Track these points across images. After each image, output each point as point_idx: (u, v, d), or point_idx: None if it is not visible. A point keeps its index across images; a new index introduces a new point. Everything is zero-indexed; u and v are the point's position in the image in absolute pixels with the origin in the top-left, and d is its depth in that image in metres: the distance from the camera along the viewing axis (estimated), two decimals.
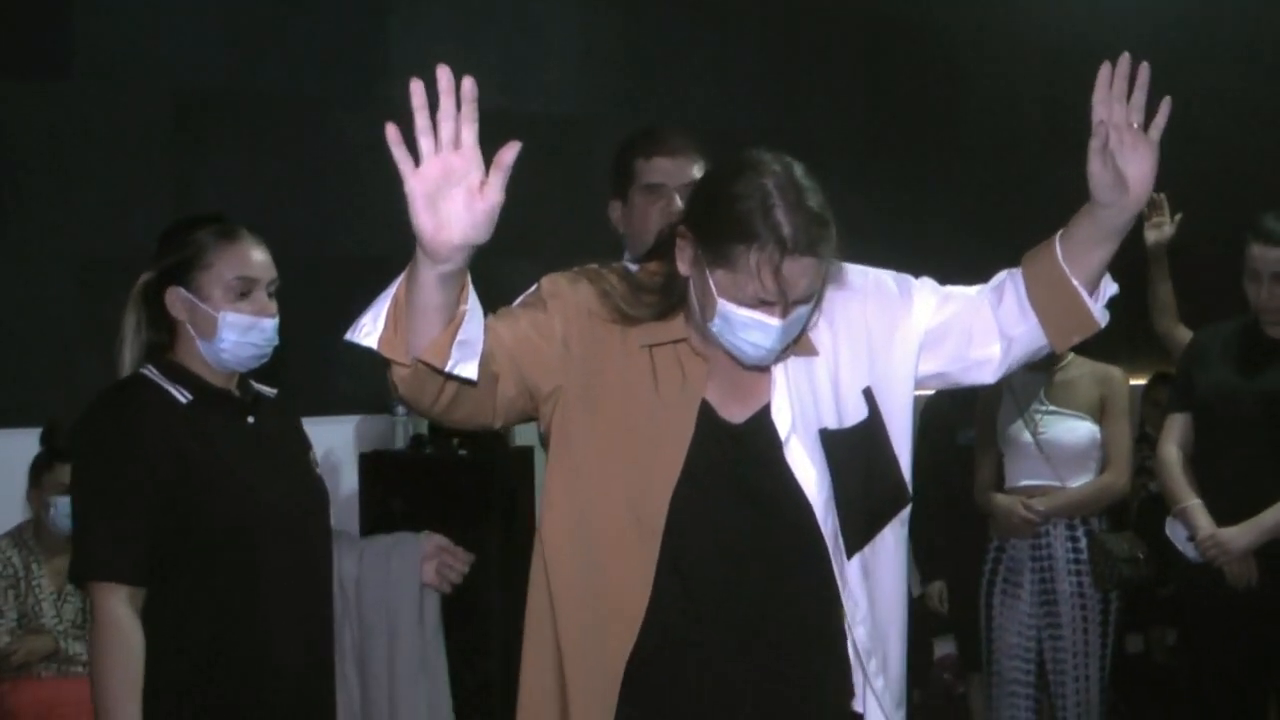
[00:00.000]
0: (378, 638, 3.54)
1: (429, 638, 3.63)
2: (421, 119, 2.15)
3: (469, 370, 2.34)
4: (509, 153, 2.17)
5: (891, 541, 2.73)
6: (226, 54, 6.14)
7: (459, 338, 2.30)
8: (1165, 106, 2.57)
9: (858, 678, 2.69)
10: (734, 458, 2.64)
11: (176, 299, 3.20)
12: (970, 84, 8.09)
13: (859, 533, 2.66)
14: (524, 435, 5.89)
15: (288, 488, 3.27)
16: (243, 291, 3.20)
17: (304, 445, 3.46)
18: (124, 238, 5.79)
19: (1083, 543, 5.32)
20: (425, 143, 2.16)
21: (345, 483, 6.23)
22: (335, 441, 6.26)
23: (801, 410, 2.65)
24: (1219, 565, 4.74)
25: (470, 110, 2.16)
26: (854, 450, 2.66)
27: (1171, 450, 4.98)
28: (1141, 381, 7.40)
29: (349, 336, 2.35)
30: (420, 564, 3.59)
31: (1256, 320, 4.87)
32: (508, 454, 5.95)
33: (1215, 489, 4.84)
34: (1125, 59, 2.54)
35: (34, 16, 5.77)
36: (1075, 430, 5.37)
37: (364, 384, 6.21)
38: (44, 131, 5.78)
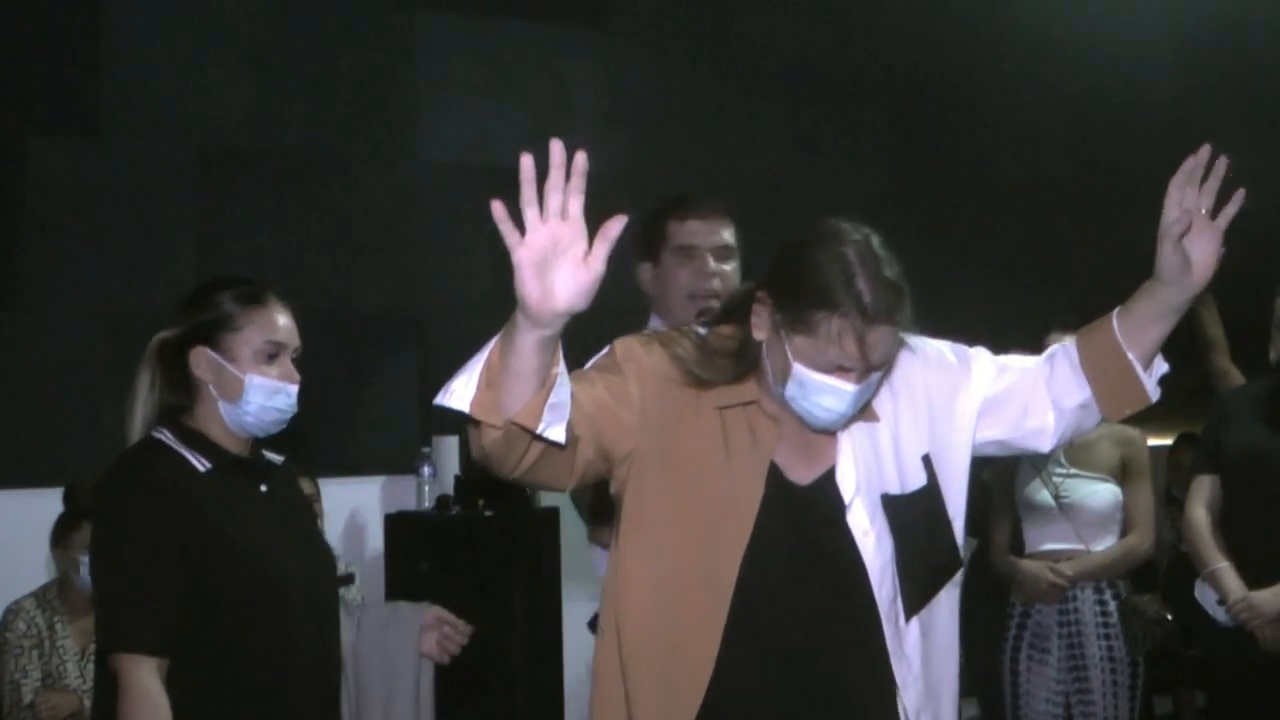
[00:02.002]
0: (374, 706, 3.54)
1: (423, 708, 3.63)
2: (529, 191, 2.18)
3: (558, 433, 2.37)
4: (615, 226, 2.21)
5: (946, 605, 2.79)
6: (253, 111, 6.17)
7: (551, 400, 2.33)
8: (1238, 197, 2.66)
9: None
10: (801, 519, 2.69)
11: (203, 359, 3.17)
12: (995, 139, 8.09)
13: (917, 596, 2.72)
14: (549, 496, 5.88)
15: (304, 555, 3.25)
16: (270, 355, 3.19)
17: (312, 512, 3.50)
18: (150, 294, 5.82)
19: (1111, 606, 5.28)
20: (530, 213, 2.18)
21: (370, 544, 6.22)
22: (360, 502, 6.26)
23: (866, 474, 2.71)
24: (1251, 629, 4.70)
25: (579, 183, 2.20)
26: (914, 516, 2.72)
27: (1200, 512, 4.95)
28: (1165, 442, 7.35)
29: (439, 400, 2.37)
30: (420, 634, 3.59)
31: None
32: (533, 514, 5.95)
33: (1245, 551, 4.80)
34: (1206, 149, 2.62)
35: (63, 73, 5.81)
36: (1098, 493, 5.34)
37: (389, 444, 6.21)
38: (71, 187, 5.82)
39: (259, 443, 3.31)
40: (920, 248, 7.48)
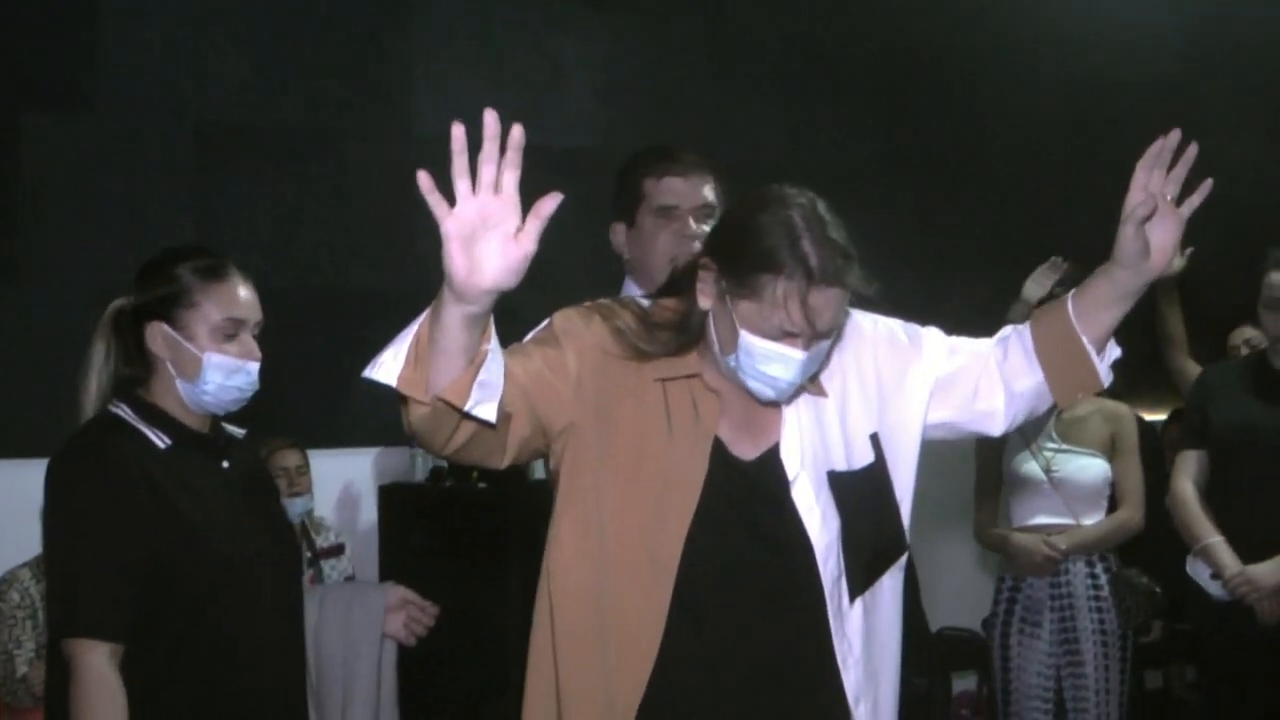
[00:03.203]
0: (333, 686, 3.49)
1: (385, 688, 3.59)
2: (460, 162, 2.13)
3: (488, 411, 2.32)
4: (549, 203, 2.16)
5: (889, 587, 2.75)
6: (247, 87, 6.16)
7: (480, 378, 2.28)
8: (1205, 187, 2.63)
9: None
10: (744, 495, 2.64)
11: (159, 335, 3.09)
12: (989, 117, 8.07)
13: (862, 577, 2.67)
14: (543, 469, 5.88)
15: (265, 533, 3.18)
16: (229, 333, 3.10)
17: (274, 488, 3.40)
18: None
19: (1103, 579, 5.31)
20: (462, 185, 2.14)
21: (364, 516, 6.23)
22: (354, 474, 6.26)
23: (812, 451, 2.66)
24: (1249, 603, 4.71)
25: (514, 157, 2.15)
26: (861, 494, 2.68)
27: (1187, 487, 4.96)
28: (1159, 417, 7.36)
29: (367, 373, 2.32)
30: (384, 615, 3.55)
31: (1264, 354, 4.86)
32: (527, 487, 5.94)
33: (1235, 525, 4.82)
34: (1176, 134, 2.59)
35: (58, 50, 5.80)
36: (1088, 468, 5.36)
37: (382, 416, 6.19)
38: (66, 164, 5.81)
39: (219, 416, 3.22)
40: (915, 226, 7.55)
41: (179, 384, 3.10)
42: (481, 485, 5.93)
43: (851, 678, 2.65)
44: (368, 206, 6.36)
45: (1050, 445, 5.38)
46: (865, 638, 2.68)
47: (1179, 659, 7.58)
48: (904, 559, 2.77)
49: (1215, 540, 4.81)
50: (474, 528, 5.81)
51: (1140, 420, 5.71)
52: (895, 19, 7.82)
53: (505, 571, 5.57)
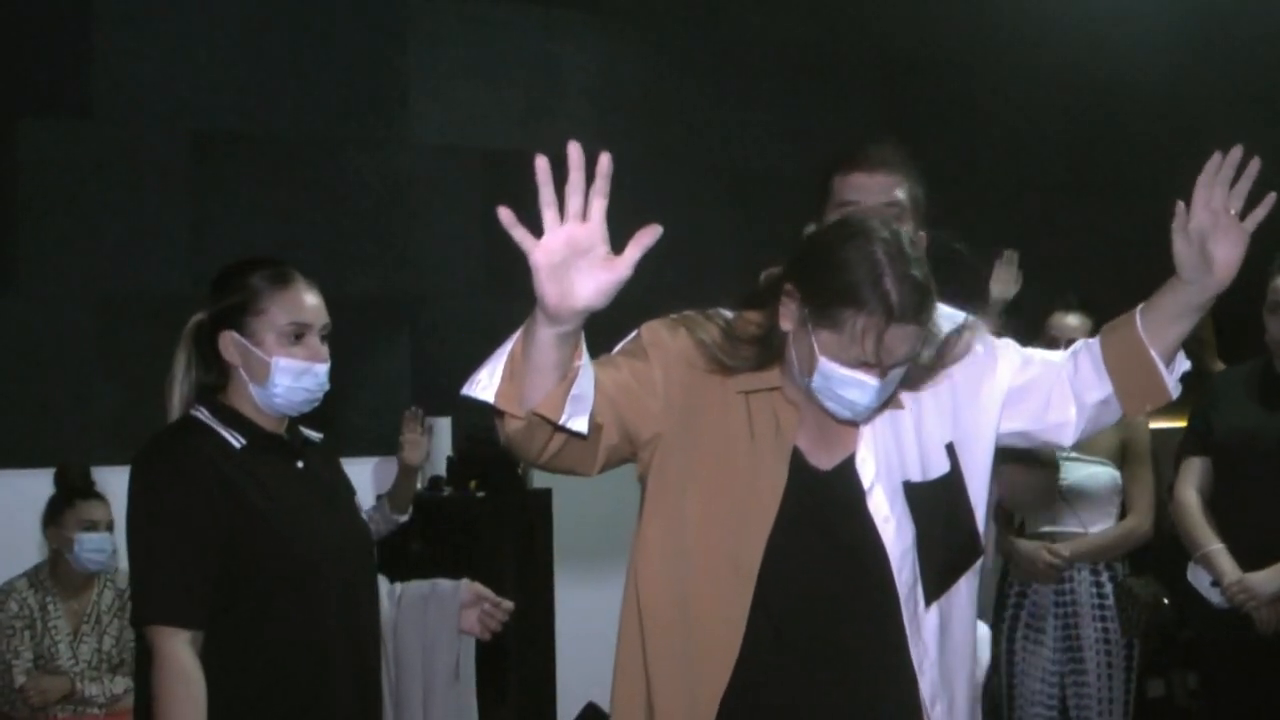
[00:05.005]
0: (412, 682, 3.57)
1: (463, 684, 3.65)
2: (547, 193, 2.17)
3: (581, 424, 2.39)
4: (649, 234, 2.21)
5: (965, 591, 2.81)
6: (244, 93, 6.16)
7: (573, 393, 2.34)
8: (1268, 201, 2.65)
9: None
10: (822, 504, 2.71)
11: (230, 343, 3.22)
12: (987, 124, 8.07)
13: (937, 583, 2.74)
14: (542, 478, 5.87)
15: (339, 531, 3.29)
16: (296, 335, 3.23)
17: (350, 489, 3.50)
18: (140, 276, 5.82)
19: (1108, 588, 5.29)
20: (549, 214, 2.18)
21: None
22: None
23: (886, 461, 2.73)
24: (1246, 610, 4.70)
25: (603, 185, 2.19)
26: (935, 503, 2.74)
27: (1190, 494, 4.96)
28: (1175, 424, 7.35)
29: (465, 391, 2.38)
30: (459, 612, 3.60)
31: (1270, 361, 4.85)
32: (525, 496, 5.94)
33: (1237, 532, 4.81)
34: (1238, 150, 2.62)
35: (56, 56, 5.80)
36: (1098, 476, 5.33)
37: (382, 425, 6.20)
38: (63, 169, 5.81)
39: (296, 420, 3.36)
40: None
41: (252, 388, 3.24)
42: (480, 495, 5.93)
43: (927, 680, 2.72)
44: (365, 214, 6.36)
45: (1060, 453, 5.35)
46: (941, 641, 2.75)
47: (1181, 667, 7.57)
48: (979, 564, 2.83)
49: (1216, 548, 4.80)
50: (472, 537, 5.81)
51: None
52: (893, 27, 7.83)
53: (502, 580, 5.56)
